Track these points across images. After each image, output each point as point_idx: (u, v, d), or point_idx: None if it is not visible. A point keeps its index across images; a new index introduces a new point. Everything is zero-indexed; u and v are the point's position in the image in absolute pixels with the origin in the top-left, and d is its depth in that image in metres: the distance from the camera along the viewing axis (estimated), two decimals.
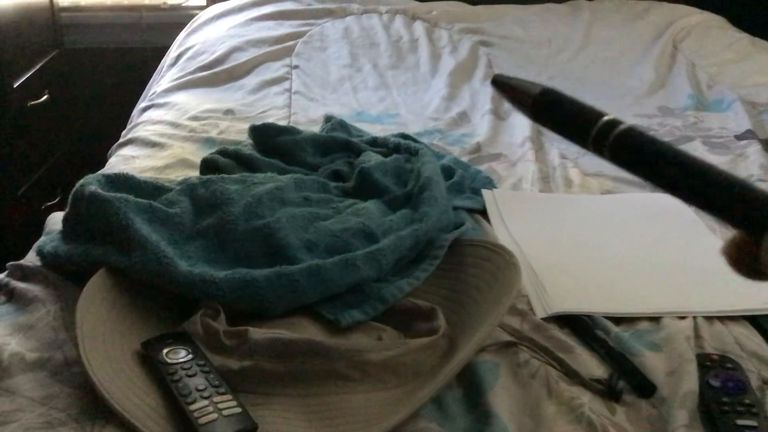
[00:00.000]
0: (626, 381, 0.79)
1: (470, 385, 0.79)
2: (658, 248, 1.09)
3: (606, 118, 0.54)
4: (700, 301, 0.95)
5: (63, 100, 2.32)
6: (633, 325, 0.90)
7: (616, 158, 0.53)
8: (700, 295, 0.97)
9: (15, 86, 1.98)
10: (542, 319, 0.90)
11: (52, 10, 2.30)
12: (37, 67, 2.15)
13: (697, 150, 1.47)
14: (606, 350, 0.84)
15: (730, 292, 0.98)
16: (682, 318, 0.91)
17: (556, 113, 0.58)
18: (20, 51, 2.05)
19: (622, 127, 0.53)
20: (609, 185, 1.31)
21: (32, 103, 2.07)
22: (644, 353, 0.84)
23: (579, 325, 0.89)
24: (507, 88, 0.61)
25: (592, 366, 0.82)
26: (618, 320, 0.91)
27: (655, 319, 0.91)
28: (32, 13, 2.17)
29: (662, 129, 1.59)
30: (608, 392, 0.78)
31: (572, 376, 0.80)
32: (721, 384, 0.79)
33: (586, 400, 0.77)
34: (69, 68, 2.39)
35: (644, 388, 0.79)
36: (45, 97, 2.13)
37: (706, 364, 0.82)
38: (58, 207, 2.04)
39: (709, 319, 0.92)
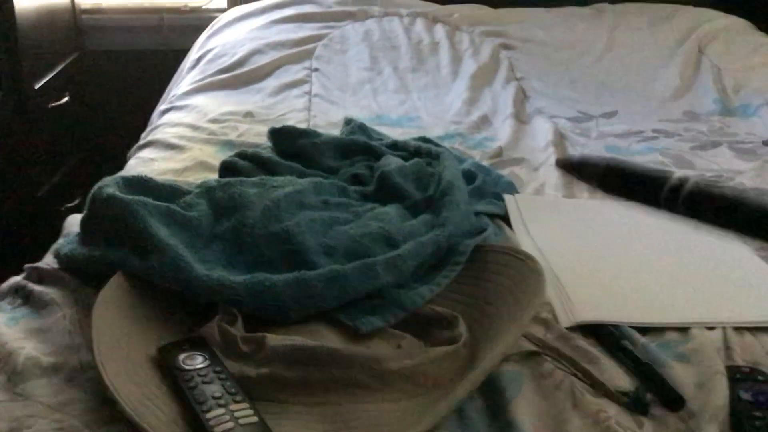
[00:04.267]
0: (654, 393, 0.77)
1: (492, 395, 0.77)
2: (686, 256, 1.06)
3: (677, 175, 0.58)
4: (730, 312, 0.92)
5: (83, 101, 2.32)
6: (660, 336, 0.88)
7: (691, 211, 0.57)
8: (729, 305, 0.94)
9: (36, 88, 1.98)
10: (567, 328, 0.88)
11: (74, 12, 2.31)
12: (58, 69, 2.15)
13: (724, 156, 1.44)
14: (633, 361, 0.81)
15: (761, 302, 0.95)
16: (711, 329, 0.88)
17: (624, 183, 0.65)
18: (41, 53, 2.05)
19: (691, 183, 0.56)
20: None
21: (53, 104, 2.07)
22: (672, 365, 0.81)
23: (604, 334, 0.86)
24: (573, 170, 0.67)
25: (619, 377, 0.80)
26: (645, 330, 0.88)
27: (683, 330, 0.88)
28: (53, 15, 2.17)
29: (687, 134, 1.56)
30: (635, 405, 0.75)
31: (598, 387, 0.78)
32: (752, 398, 0.76)
33: (612, 413, 0.74)
34: (89, 70, 2.40)
35: (673, 401, 0.76)
36: (65, 99, 2.13)
37: (737, 377, 0.79)
38: (78, 209, 2.05)
39: (739, 330, 0.89)
